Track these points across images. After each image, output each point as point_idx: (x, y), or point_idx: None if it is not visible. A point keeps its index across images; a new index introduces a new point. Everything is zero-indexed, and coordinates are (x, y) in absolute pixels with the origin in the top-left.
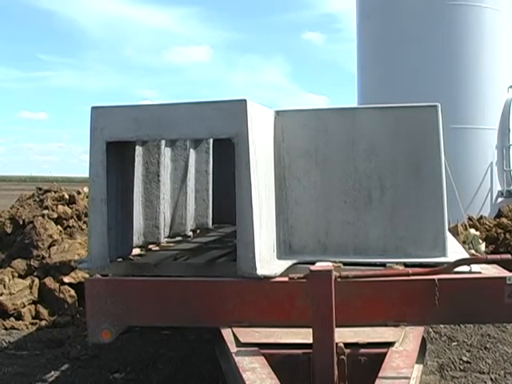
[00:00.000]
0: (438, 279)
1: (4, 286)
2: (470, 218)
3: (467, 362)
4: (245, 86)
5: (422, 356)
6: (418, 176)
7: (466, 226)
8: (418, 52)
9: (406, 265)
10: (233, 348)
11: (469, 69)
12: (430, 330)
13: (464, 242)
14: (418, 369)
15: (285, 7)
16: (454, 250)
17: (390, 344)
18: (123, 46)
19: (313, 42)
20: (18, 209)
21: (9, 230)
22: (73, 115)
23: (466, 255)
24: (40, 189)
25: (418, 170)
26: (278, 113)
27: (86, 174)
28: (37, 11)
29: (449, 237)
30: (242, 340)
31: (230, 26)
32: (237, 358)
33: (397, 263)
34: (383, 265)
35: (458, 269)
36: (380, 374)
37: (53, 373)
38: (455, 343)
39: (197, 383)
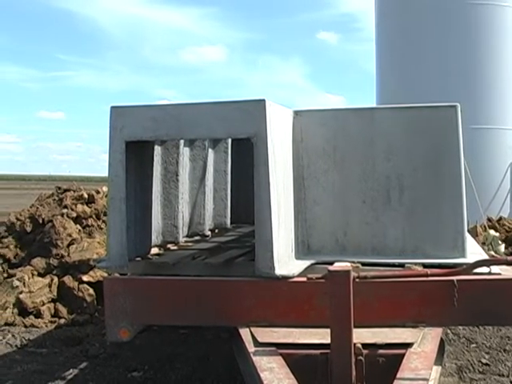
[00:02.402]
0: (457, 280)
1: (24, 284)
2: (489, 219)
3: (486, 365)
4: (262, 86)
5: (440, 357)
6: (437, 176)
7: (485, 226)
8: (438, 52)
9: (424, 265)
10: (251, 348)
11: (488, 68)
12: (449, 331)
13: (483, 243)
14: (436, 370)
15: (299, 7)
16: (473, 251)
17: (408, 345)
18: (141, 45)
19: (328, 41)
20: (37, 208)
21: (29, 229)
22: (91, 115)
23: (485, 256)
24: (59, 188)
25: (437, 170)
26: (296, 113)
27: (105, 174)
28: (57, 11)
29: (468, 238)
30: (260, 340)
31: (246, 26)
32: (255, 358)
33: (415, 264)
34: (402, 265)
35: (477, 270)
36: (398, 376)
37: (71, 371)
38: (474, 345)
39: (214, 382)
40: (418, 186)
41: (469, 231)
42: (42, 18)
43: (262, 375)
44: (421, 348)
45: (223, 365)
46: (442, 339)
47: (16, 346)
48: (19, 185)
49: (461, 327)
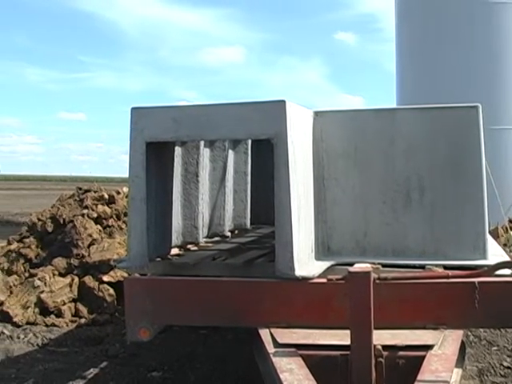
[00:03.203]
0: (479, 282)
1: (45, 283)
2: (510, 221)
3: (508, 368)
4: (281, 87)
5: (461, 360)
6: (457, 177)
7: (506, 228)
8: (459, 52)
9: (445, 267)
10: (270, 348)
11: (509, 68)
12: (470, 333)
13: (505, 245)
14: (457, 373)
15: (316, 8)
16: (495, 253)
17: (428, 347)
18: (160, 47)
19: (346, 42)
20: (58, 208)
21: (50, 229)
22: (111, 116)
23: (506, 258)
24: (80, 188)
25: (457, 171)
26: (316, 113)
27: (125, 174)
28: (78, 14)
29: (489, 239)
30: (280, 341)
31: (264, 27)
32: (274, 359)
33: (436, 265)
34: (422, 267)
35: (498, 272)
36: (418, 378)
37: (92, 370)
38: (495, 348)
39: (233, 383)
40: (438, 186)
41: (490, 232)
42: (63, 20)
43: (281, 376)
44: (441, 350)
45: (242, 365)
46: (462, 342)
47: (37, 344)
48: (40, 185)
49: (482, 329)
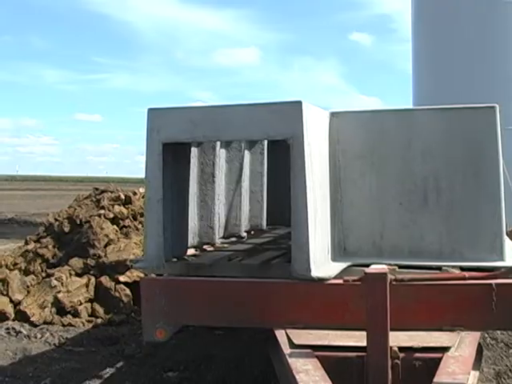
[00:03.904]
0: (496, 284)
1: (62, 283)
2: None
3: None
4: (298, 88)
5: (478, 362)
6: (475, 178)
7: None
8: (475, 52)
9: (462, 268)
10: (286, 349)
11: None
12: (487, 335)
13: None
14: (474, 375)
15: (331, 9)
16: None
17: (445, 349)
18: (175, 47)
19: (361, 42)
20: (75, 209)
21: (66, 230)
22: (127, 117)
23: None
24: (97, 189)
25: (475, 172)
26: (333, 114)
27: (141, 175)
28: (94, 15)
29: (506, 240)
30: (296, 341)
31: (279, 28)
32: (290, 360)
33: (453, 267)
34: (439, 268)
35: None
36: (435, 380)
37: (108, 370)
38: None
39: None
40: (455, 187)
41: (507, 234)
42: (79, 21)
43: (297, 377)
44: (458, 352)
45: (258, 366)
46: (479, 344)
47: (54, 344)
48: (57, 186)
49: (499, 332)
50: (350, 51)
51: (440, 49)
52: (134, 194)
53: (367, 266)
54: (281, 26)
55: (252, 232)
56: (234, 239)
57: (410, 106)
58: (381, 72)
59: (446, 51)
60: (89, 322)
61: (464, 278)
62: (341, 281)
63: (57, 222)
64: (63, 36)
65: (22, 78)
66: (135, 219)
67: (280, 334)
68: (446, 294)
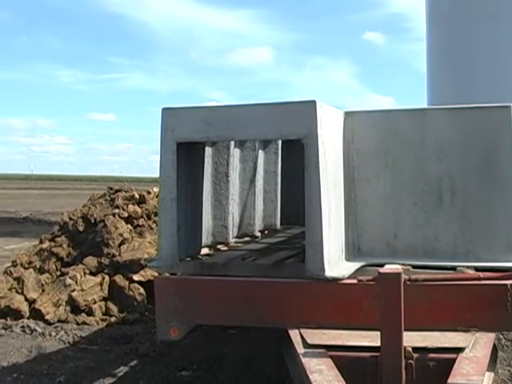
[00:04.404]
0: (511, 284)
1: (76, 282)
2: None
3: None
4: (311, 87)
5: (493, 363)
6: (490, 178)
7: None
8: (490, 51)
9: (476, 269)
10: (300, 349)
11: None
12: (502, 336)
13: None
14: (488, 377)
15: (345, 8)
16: None
17: (459, 350)
18: (190, 47)
19: (374, 42)
20: (89, 208)
21: (81, 229)
22: (141, 117)
23: None
24: (111, 188)
25: (490, 171)
26: (347, 114)
27: (155, 174)
28: (109, 15)
29: None
30: (310, 341)
31: (293, 28)
32: (304, 360)
33: (467, 267)
34: (453, 268)
35: None
36: (449, 381)
37: (122, 368)
38: None
39: (263, 383)
40: (470, 187)
41: None
42: (94, 21)
43: (311, 377)
44: (473, 353)
45: (272, 366)
46: (494, 345)
47: (68, 342)
48: (71, 185)
49: None
50: (364, 51)
51: (455, 48)
52: (148, 193)
53: (381, 265)
54: (294, 25)
55: (266, 231)
56: (247, 239)
57: (425, 106)
58: (395, 71)
59: (460, 50)
60: (103, 320)
61: (479, 279)
62: (355, 281)
63: (71, 221)
64: (78, 36)
65: (37, 78)
66: (149, 218)
67: (294, 334)
68: (460, 295)
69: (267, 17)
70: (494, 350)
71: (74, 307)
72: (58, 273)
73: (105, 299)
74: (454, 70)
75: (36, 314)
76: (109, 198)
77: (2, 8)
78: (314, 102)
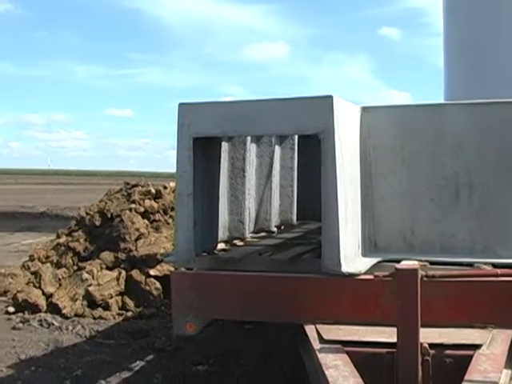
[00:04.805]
0: None
1: (93, 277)
2: None
3: None
4: (328, 83)
5: (510, 361)
6: (508, 173)
7: None
8: (509, 46)
9: (494, 265)
10: (316, 345)
11: None
12: None
13: None
14: (506, 374)
15: (359, 3)
16: None
17: (476, 346)
18: (206, 43)
19: (390, 37)
20: (106, 203)
21: (98, 223)
22: (157, 112)
23: None
24: (128, 183)
25: (508, 167)
26: (364, 109)
27: (172, 170)
28: (125, 11)
29: None
30: (326, 337)
31: (309, 22)
32: (320, 355)
33: (485, 263)
34: (470, 265)
35: None
36: (466, 378)
37: (138, 362)
38: None
39: (278, 379)
40: (488, 183)
41: None
42: (110, 17)
43: (327, 373)
44: (490, 350)
45: (288, 361)
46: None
47: (85, 336)
48: (88, 180)
49: None
50: (380, 46)
51: (472, 42)
52: (165, 188)
53: (398, 261)
54: (310, 20)
55: (282, 227)
56: (264, 234)
57: (442, 101)
58: (411, 67)
59: (478, 45)
60: (119, 315)
61: (496, 275)
62: (371, 276)
63: (88, 216)
64: (95, 32)
65: (54, 74)
66: (166, 213)
67: (310, 329)
68: (477, 291)
69: (282, 12)
70: None
71: (91, 302)
72: (75, 267)
73: (121, 294)
74: (471, 65)
75: (53, 308)
76: (125, 193)
77: (21, 5)
78: (330, 97)
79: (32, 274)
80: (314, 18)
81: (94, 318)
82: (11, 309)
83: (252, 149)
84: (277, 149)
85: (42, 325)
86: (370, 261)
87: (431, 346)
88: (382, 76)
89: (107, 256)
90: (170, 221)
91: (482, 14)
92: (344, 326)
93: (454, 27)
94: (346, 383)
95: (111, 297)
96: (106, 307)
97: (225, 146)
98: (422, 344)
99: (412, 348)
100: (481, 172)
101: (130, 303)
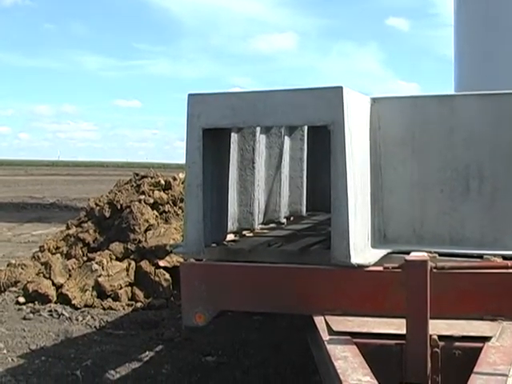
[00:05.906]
0: None
1: (102, 267)
2: None
3: None
4: (337, 73)
5: None
6: None
7: None
8: None
9: (504, 257)
10: (325, 336)
11: None
12: None
13: None
14: None
15: None
16: None
17: (486, 338)
18: (214, 33)
19: (397, 27)
20: (115, 194)
21: (107, 214)
22: (166, 103)
23: None
24: (137, 174)
25: None
26: (374, 100)
27: (181, 161)
28: (133, 1)
29: None
30: (335, 328)
31: (317, 13)
32: (329, 347)
33: (495, 255)
34: (480, 256)
35: None
36: (475, 370)
37: (147, 353)
38: None
39: (287, 370)
40: (498, 175)
41: None
42: (119, 8)
43: (336, 364)
44: (499, 342)
45: (297, 352)
46: None
47: (95, 327)
48: (98, 171)
49: None
50: (388, 36)
51: (483, 33)
52: (174, 179)
53: (407, 253)
54: (318, 11)
55: (291, 218)
56: (273, 225)
57: (452, 92)
58: (420, 57)
59: (489, 35)
60: (129, 305)
61: (506, 267)
62: (381, 268)
63: (97, 207)
64: (103, 23)
65: (63, 65)
66: (175, 205)
67: (319, 321)
68: (487, 283)
69: (290, 2)
70: None
71: (101, 292)
72: (85, 258)
73: (131, 285)
74: (482, 55)
75: (63, 299)
76: (135, 184)
77: None
78: (340, 88)
79: (42, 264)
80: (323, 9)
81: (104, 309)
82: (22, 299)
83: (261, 140)
84: (286, 140)
85: (52, 315)
86: (380, 252)
87: (440, 337)
88: (390, 66)
89: (117, 247)
90: (179, 212)
91: (494, 4)
92: (353, 317)
93: (466, 17)
94: (354, 375)
95: (121, 287)
96: (116, 298)
97: (234, 136)
98: (431, 336)
99: (421, 340)
100: (492, 164)
101: (140, 294)
